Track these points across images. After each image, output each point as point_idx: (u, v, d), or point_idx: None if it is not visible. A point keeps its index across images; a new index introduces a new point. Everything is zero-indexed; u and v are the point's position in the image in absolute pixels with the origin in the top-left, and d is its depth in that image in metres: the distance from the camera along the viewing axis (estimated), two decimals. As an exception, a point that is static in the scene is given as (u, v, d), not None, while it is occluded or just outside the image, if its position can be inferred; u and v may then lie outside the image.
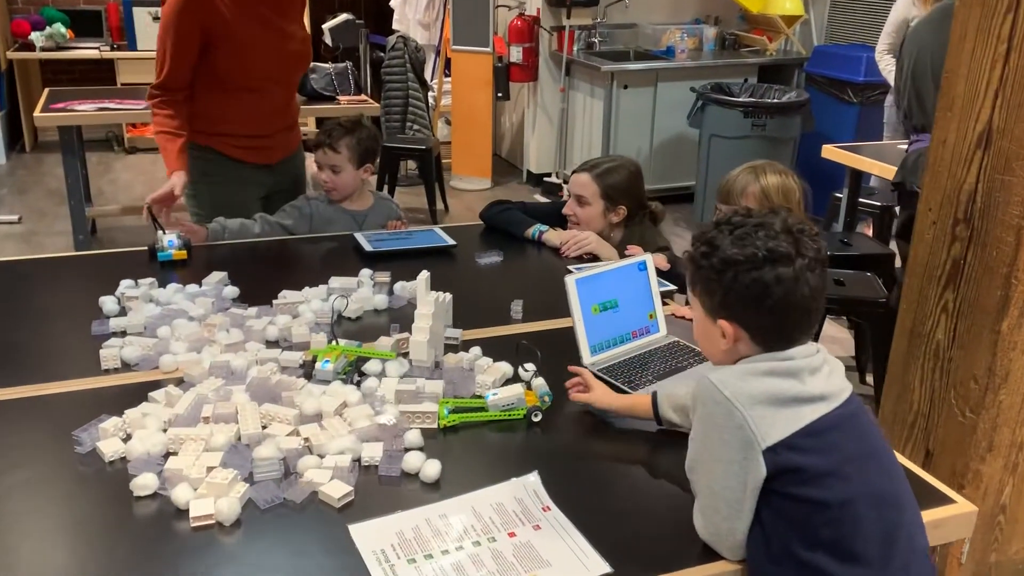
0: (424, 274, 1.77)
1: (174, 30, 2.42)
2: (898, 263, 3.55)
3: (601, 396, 1.55)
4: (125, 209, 4.80)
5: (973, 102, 2.08)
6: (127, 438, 1.44)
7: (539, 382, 1.63)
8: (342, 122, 2.65)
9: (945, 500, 1.37)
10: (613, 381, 1.68)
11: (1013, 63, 1.97)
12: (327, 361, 1.64)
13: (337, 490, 1.31)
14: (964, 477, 2.22)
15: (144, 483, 1.31)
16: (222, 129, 2.61)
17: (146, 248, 2.31)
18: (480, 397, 1.59)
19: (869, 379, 3.53)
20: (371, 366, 1.70)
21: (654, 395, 1.50)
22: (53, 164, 6.27)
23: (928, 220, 2.23)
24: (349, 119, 2.67)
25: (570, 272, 2.25)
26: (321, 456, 1.39)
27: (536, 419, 1.55)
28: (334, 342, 1.73)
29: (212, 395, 1.54)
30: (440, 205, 5.63)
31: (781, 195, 2.09)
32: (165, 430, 1.45)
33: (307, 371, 1.67)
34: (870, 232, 4.75)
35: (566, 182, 6.01)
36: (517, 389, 1.57)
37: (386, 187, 5.69)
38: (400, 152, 5.59)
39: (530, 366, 1.67)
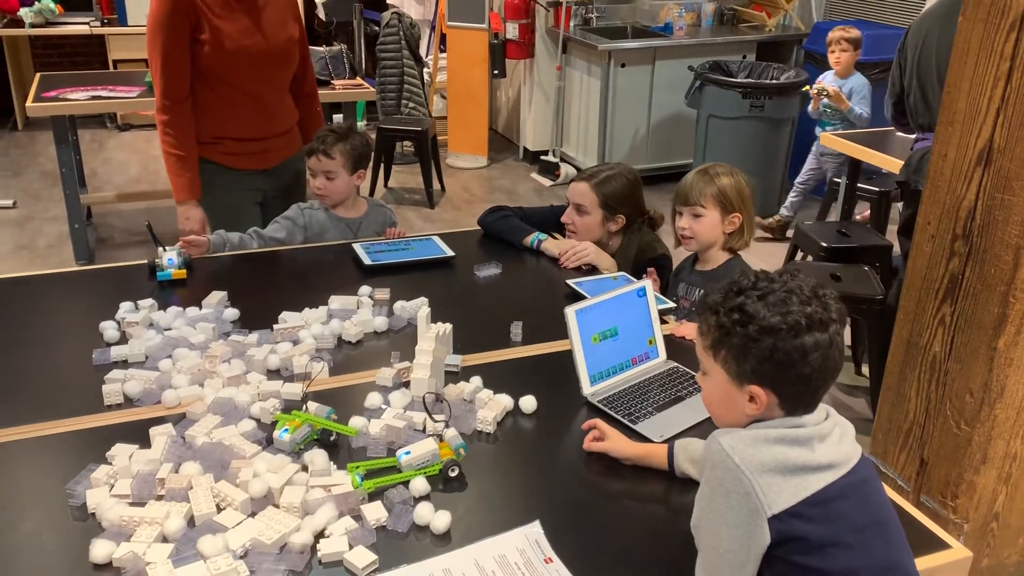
0: (425, 310, 1.76)
1: (164, 32, 2.42)
2: (896, 251, 3.55)
3: (617, 445, 1.55)
4: (120, 196, 4.78)
5: (974, 119, 2.06)
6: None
7: (452, 434, 1.56)
8: (335, 128, 2.65)
9: (941, 545, 1.39)
10: (613, 414, 1.69)
11: (1016, 81, 1.95)
12: (285, 430, 1.53)
13: (362, 558, 1.29)
14: (958, 487, 2.25)
15: (101, 551, 1.28)
16: (215, 135, 2.62)
17: (144, 262, 2.32)
18: (392, 457, 1.52)
19: (865, 370, 3.55)
20: (372, 399, 1.71)
21: (670, 447, 1.51)
22: (46, 143, 6.22)
23: (927, 233, 2.23)
24: (341, 125, 2.68)
25: (569, 285, 2.29)
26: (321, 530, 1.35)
27: (452, 473, 1.49)
28: (305, 407, 1.60)
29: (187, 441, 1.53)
30: (436, 186, 5.60)
31: (736, 193, 2.24)
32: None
33: (269, 435, 1.58)
34: (867, 213, 4.73)
35: (563, 160, 5.98)
36: (430, 445, 1.51)
37: (382, 168, 5.66)
38: (396, 134, 5.55)
39: (440, 418, 1.59)
